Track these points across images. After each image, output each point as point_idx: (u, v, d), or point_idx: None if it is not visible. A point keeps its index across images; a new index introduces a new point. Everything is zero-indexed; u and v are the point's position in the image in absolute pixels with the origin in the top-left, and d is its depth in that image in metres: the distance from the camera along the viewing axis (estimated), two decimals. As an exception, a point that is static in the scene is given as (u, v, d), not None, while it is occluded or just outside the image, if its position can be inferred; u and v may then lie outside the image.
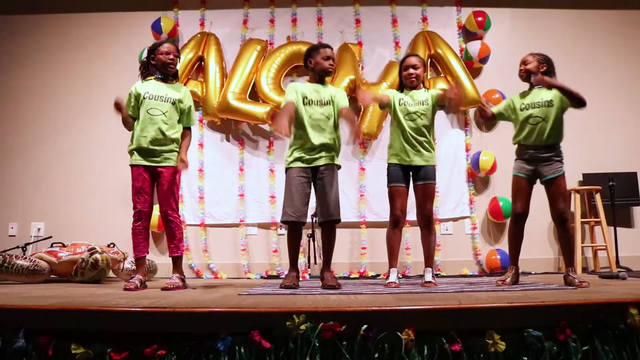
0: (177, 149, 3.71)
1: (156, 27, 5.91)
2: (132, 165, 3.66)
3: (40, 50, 6.23)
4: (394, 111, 3.78)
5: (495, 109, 3.85)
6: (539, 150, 3.63)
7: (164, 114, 3.63)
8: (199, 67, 6.04)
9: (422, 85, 3.87)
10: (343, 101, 3.70)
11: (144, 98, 3.65)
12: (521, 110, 3.69)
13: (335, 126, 3.70)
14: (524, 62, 3.75)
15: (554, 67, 3.76)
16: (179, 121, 3.74)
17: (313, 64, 3.71)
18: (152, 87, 3.69)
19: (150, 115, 3.62)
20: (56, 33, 6.25)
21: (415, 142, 3.71)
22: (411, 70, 3.78)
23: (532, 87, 3.74)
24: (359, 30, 6.11)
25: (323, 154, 3.62)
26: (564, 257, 3.66)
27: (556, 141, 3.65)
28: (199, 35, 6.01)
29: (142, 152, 3.63)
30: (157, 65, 3.72)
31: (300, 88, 3.69)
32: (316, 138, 3.58)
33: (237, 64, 5.87)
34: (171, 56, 3.68)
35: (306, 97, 3.64)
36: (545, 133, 3.60)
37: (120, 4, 6.27)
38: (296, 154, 3.63)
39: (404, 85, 3.86)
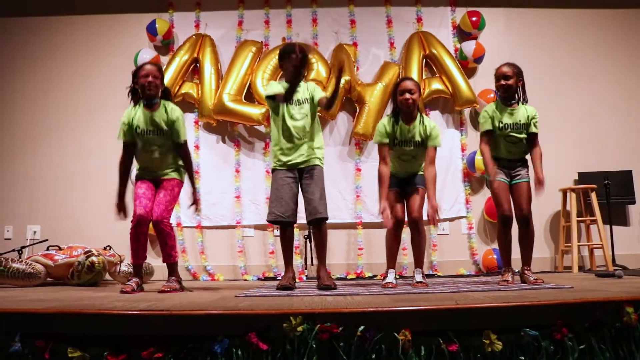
0: (179, 163, 3.78)
1: (151, 29, 5.91)
2: (136, 177, 3.76)
3: (35, 53, 6.22)
4: (390, 150, 3.76)
5: (485, 127, 3.79)
6: (512, 162, 3.76)
7: (158, 147, 3.66)
8: (194, 69, 6.03)
9: (417, 110, 3.74)
10: (318, 94, 3.72)
11: (136, 132, 3.66)
12: (500, 129, 3.72)
13: (314, 124, 3.71)
14: (504, 77, 3.71)
15: (523, 77, 3.81)
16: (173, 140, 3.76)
17: (284, 68, 3.72)
18: (141, 120, 3.65)
19: (145, 150, 3.68)
20: (51, 36, 6.24)
21: (408, 167, 3.80)
22: (407, 95, 3.63)
23: (508, 103, 3.74)
24: (354, 31, 6.11)
25: (304, 153, 3.63)
26: (522, 257, 3.74)
27: (527, 153, 3.81)
28: (194, 36, 6.00)
29: (145, 171, 3.74)
30: (139, 89, 3.66)
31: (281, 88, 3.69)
32: (296, 139, 3.63)
33: (233, 65, 5.87)
34: (149, 78, 3.58)
35: (287, 97, 3.65)
36: (521, 150, 3.76)
37: (115, 6, 6.25)
38: (280, 157, 3.66)
39: (398, 109, 3.73)
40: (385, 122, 3.76)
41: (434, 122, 3.85)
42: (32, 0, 6.26)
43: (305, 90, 3.71)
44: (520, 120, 3.70)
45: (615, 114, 6.09)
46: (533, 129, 3.73)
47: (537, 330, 2.09)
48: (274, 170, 3.71)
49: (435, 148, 3.74)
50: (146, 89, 3.60)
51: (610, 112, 6.09)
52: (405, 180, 3.81)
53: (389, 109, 5.84)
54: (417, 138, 3.70)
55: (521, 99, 3.77)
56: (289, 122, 3.61)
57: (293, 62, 3.57)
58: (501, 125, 3.71)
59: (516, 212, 3.70)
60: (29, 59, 6.21)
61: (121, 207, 3.72)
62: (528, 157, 3.81)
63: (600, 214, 5.39)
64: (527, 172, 3.77)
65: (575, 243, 5.37)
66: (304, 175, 3.63)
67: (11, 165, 6.05)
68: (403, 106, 3.67)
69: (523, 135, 3.72)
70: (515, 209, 3.70)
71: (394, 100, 3.77)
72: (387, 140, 3.72)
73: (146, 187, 3.64)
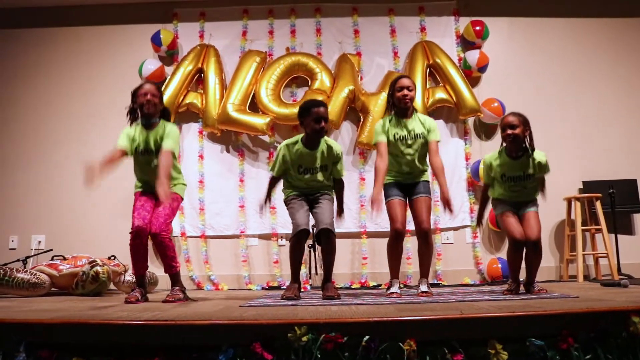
0: (179, 180, 3.80)
1: (156, 40, 5.95)
2: (135, 190, 3.75)
3: (39, 64, 6.25)
4: (391, 146, 3.76)
5: (484, 180, 3.85)
6: (520, 204, 3.71)
7: (156, 167, 3.64)
8: (198, 79, 6.06)
9: (413, 108, 3.79)
10: (337, 172, 3.73)
11: (135, 151, 3.66)
12: (502, 180, 3.68)
13: (329, 175, 3.76)
14: (510, 126, 3.58)
15: (530, 126, 3.66)
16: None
17: (304, 125, 3.62)
18: (140, 139, 3.66)
19: (144, 170, 3.69)
20: (56, 47, 6.28)
21: (411, 168, 3.77)
22: (405, 92, 3.69)
23: (514, 155, 3.66)
24: (358, 40, 6.14)
25: (318, 190, 3.73)
26: (528, 275, 3.68)
27: (535, 195, 3.75)
28: (198, 47, 6.03)
29: (145, 184, 3.73)
30: (138, 108, 3.67)
31: (293, 156, 3.66)
32: (310, 190, 3.72)
33: (237, 75, 5.89)
34: (148, 97, 3.58)
35: (301, 166, 3.66)
36: (526, 196, 3.70)
37: (120, 17, 6.30)
38: (293, 190, 3.74)
39: (396, 106, 3.77)
40: (381, 121, 3.81)
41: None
42: (37, 11, 6.31)
43: (327, 155, 3.68)
44: (524, 172, 3.64)
45: (620, 122, 6.08)
46: (544, 173, 3.69)
47: (543, 340, 2.08)
48: (286, 199, 3.76)
49: (436, 142, 3.77)
50: (144, 108, 3.60)
51: (615, 120, 6.08)
52: (408, 187, 3.79)
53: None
54: (417, 131, 3.72)
55: (529, 149, 3.64)
56: (305, 180, 3.68)
57: (313, 117, 3.55)
58: (504, 177, 3.67)
59: (526, 238, 3.58)
60: (34, 70, 6.25)
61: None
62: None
63: (605, 222, 5.37)
64: (535, 204, 3.71)
65: (580, 252, 5.35)
66: (317, 197, 3.70)
67: (15, 175, 6.07)
68: (401, 103, 3.72)
69: (526, 184, 3.66)
70: (525, 235, 3.58)
71: (391, 97, 3.77)
72: (385, 139, 3.74)
73: (145, 200, 3.64)
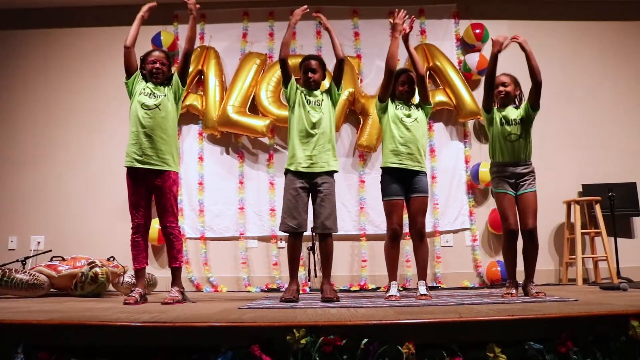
0: (176, 153, 3.71)
1: (156, 41, 5.94)
2: (127, 168, 3.62)
3: (40, 65, 6.25)
4: (391, 114, 3.82)
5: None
6: (517, 167, 3.74)
7: (157, 107, 3.61)
8: (198, 81, 6.07)
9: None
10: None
11: (140, 93, 3.65)
12: (500, 125, 3.77)
13: (331, 129, 3.85)
14: (503, 84, 3.84)
15: (521, 87, 3.93)
16: (177, 100, 3.74)
17: (301, 77, 3.85)
18: (145, 88, 3.69)
19: (145, 107, 3.61)
20: (57, 48, 6.28)
21: (409, 144, 3.77)
22: (407, 87, 3.87)
23: (503, 106, 3.86)
24: (358, 43, 6.14)
25: (319, 159, 3.70)
26: (525, 270, 3.71)
27: (530, 157, 3.80)
28: (198, 49, 6.03)
29: (140, 150, 3.59)
30: (147, 75, 3.72)
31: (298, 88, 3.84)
32: (313, 160, 3.69)
33: (237, 77, 5.89)
34: (157, 65, 3.67)
35: (307, 97, 3.78)
36: (522, 149, 3.75)
37: (121, 18, 6.24)
38: (295, 158, 3.70)
39: (396, 97, 3.90)
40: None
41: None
42: (38, 12, 6.31)
43: (321, 93, 3.86)
44: (516, 116, 3.77)
45: (619, 125, 6.09)
46: (529, 111, 3.78)
47: (542, 344, 2.08)
48: (286, 173, 3.73)
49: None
50: (154, 75, 3.67)
51: (614, 123, 6.09)
52: (408, 177, 3.77)
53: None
54: (414, 103, 3.90)
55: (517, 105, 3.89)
56: (311, 127, 3.73)
57: (304, 69, 3.82)
58: (502, 120, 3.78)
59: (521, 226, 3.67)
60: (34, 71, 6.25)
61: None
62: (534, 165, 3.81)
63: (604, 226, 5.37)
64: (534, 181, 3.74)
65: (580, 255, 5.35)
66: (317, 187, 3.67)
67: (15, 176, 6.07)
68: (403, 97, 3.89)
69: (521, 130, 3.73)
70: (521, 223, 3.67)
71: (388, 84, 3.83)
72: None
73: (138, 196, 3.61)
